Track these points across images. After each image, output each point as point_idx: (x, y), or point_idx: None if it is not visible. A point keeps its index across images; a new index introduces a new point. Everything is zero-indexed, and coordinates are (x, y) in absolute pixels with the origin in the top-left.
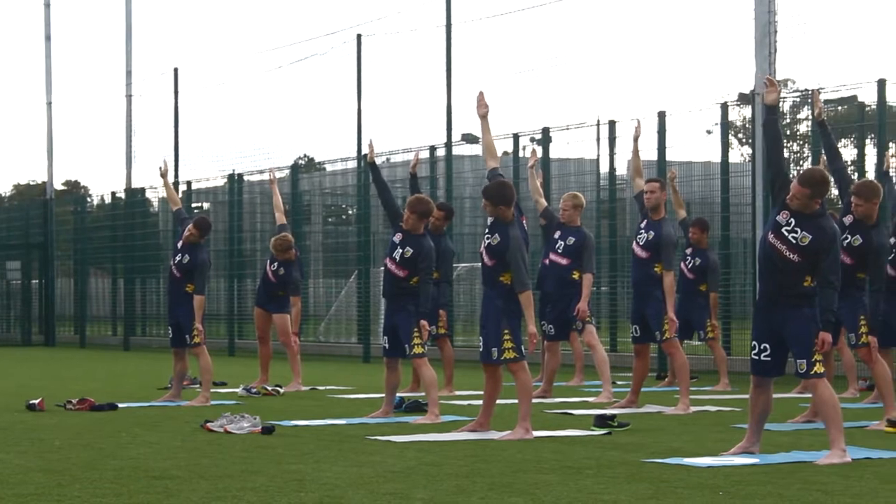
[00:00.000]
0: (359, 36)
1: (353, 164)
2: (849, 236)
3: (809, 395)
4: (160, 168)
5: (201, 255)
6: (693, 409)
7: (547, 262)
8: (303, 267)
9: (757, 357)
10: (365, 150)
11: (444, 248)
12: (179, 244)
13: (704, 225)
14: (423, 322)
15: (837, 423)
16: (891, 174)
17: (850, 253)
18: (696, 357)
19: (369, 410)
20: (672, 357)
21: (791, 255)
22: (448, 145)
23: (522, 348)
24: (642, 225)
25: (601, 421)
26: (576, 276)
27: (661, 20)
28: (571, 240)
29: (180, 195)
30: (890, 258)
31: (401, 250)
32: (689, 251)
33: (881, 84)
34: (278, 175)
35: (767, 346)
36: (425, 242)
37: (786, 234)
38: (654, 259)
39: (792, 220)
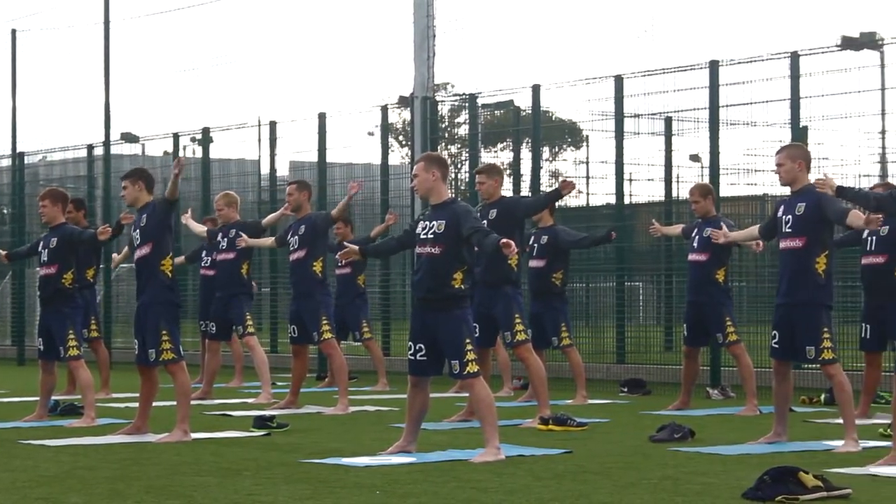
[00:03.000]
0: (13, 31)
1: (7, 163)
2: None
3: (466, 395)
4: None
5: None
6: (352, 409)
7: (209, 264)
8: None
9: (413, 357)
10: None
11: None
12: None
13: (346, 220)
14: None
15: (492, 422)
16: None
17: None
18: (355, 357)
19: (23, 414)
20: (330, 358)
21: (433, 250)
22: (106, 144)
23: (181, 349)
24: (293, 224)
25: (260, 422)
26: (243, 270)
27: (322, 23)
28: (233, 231)
29: None
30: (536, 254)
31: (47, 247)
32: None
33: (535, 89)
34: None
35: (423, 346)
36: (67, 228)
37: (424, 234)
38: (310, 258)
39: (427, 220)
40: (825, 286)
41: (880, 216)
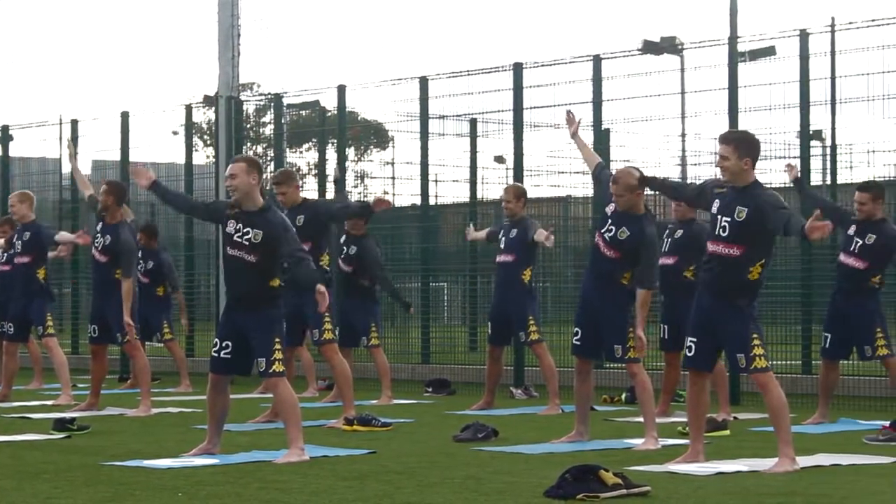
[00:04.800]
0: None
1: None
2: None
3: (271, 396)
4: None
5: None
6: (154, 410)
7: (5, 261)
8: None
9: (217, 354)
10: None
11: None
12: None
13: (152, 230)
14: None
15: (296, 422)
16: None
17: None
18: (158, 358)
19: None
20: (133, 359)
21: (249, 257)
22: None
23: None
24: (98, 228)
25: (61, 424)
26: (41, 275)
27: (125, 20)
28: (27, 234)
29: None
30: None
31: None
32: (140, 254)
33: (341, 90)
34: None
35: (230, 343)
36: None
37: (239, 238)
38: (113, 263)
39: (241, 223)
40: (630, 288)
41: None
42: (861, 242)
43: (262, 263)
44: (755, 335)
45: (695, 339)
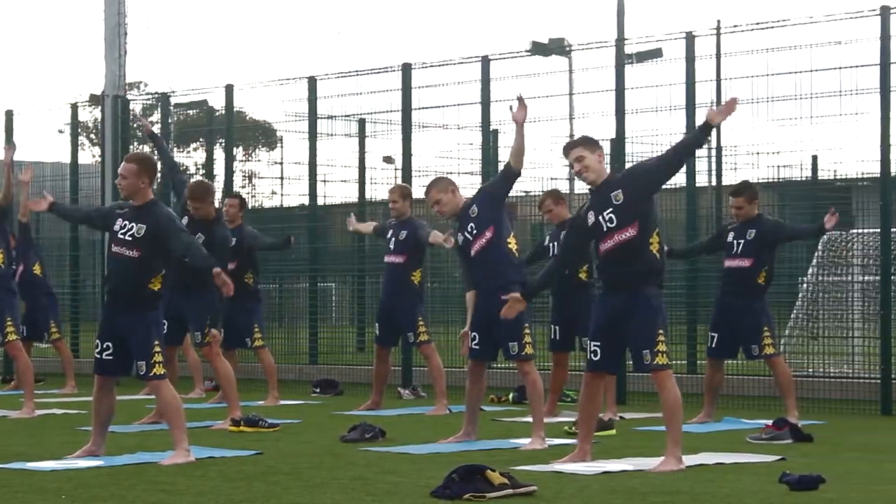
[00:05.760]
0: None
1: None
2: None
3: (154, 397)
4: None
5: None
6: (38, 412)
7: None
8: None
9: (100, 356)
10: None
11: None
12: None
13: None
14: None
15: (180, 424)
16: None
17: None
18: (43, 359)
19: None
20: (15, 360)
21: (131, 253)
22: None
23: None
24: None
25: None
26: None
27: (10, 16)
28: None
29: None
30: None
31: None
32: (31, 253)
33: (229, 89)
34: None
35: (111, 345)
36: None
37: (122, 234)
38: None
39: (127, 220)
40: (518, 269)
41: None
42: (742, 241)
43: (143, 260)
44: (661, 330)
45: (600, 343)
